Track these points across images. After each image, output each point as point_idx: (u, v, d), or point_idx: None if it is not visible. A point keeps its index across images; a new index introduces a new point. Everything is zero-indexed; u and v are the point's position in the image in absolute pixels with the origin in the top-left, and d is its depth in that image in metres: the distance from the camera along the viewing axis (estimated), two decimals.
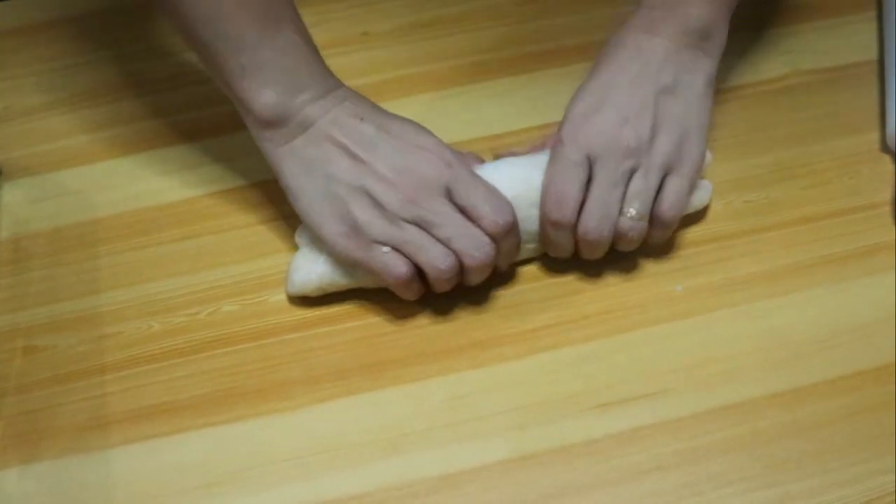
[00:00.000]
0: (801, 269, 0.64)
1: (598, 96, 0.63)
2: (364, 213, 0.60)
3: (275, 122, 0.61)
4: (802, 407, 0.59)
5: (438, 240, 0.59)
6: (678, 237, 0.66)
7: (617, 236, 0.62)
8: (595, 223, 0.61)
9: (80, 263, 0.67)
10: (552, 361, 0.61)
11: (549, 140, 0.66)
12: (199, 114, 0.74)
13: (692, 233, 0.66)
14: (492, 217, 0.59)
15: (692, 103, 0.64)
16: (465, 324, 0.63)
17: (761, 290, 0.64)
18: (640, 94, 0.62)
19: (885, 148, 0.70)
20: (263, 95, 0.60)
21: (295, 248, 0.65)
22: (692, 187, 0.64)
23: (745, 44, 0.76)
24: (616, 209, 0.61)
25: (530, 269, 0.65)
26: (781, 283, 0.64)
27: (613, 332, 0.62)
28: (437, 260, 0.59)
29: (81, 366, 0.62)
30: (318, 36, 0.79)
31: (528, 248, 0.64)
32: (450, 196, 0.60)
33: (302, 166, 0.61)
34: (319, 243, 0.63)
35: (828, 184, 0.68)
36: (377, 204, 0.60)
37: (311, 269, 0.63)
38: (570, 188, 0.61)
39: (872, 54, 0.76)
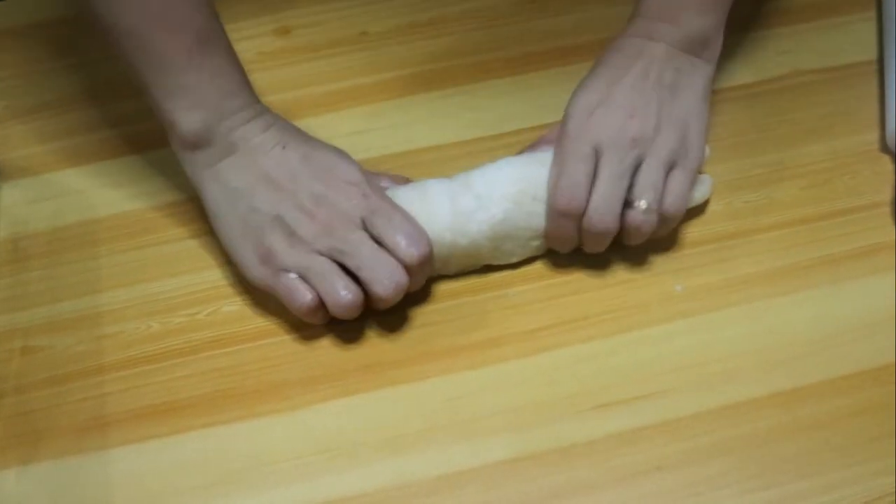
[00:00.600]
0: (801, 270, 0.64)
1: (602, 93, 0.63)
2: (277, 243, 0.60)
3: (199, 145, 0.61)
4: (802, 407, 0.59)
5: (348, 269, 0.60)
6: (678, 237, 0.66)
7: (627, 229, 0.62)
8: (601, 214, 0.61)
9: (79, 263, 0.67)
10: (552, 362, 0.61)
11: (543, 141, 0.66)
12: None
13: (692, 233, 0.66)
14: (406, 248, 0.59)
15: (692, 103, 0.64)
16: (464, 324, 0.63)
17: (761, 290, 0.63)
18: (644, 92, 0.63)
19: (884, 148, 0.70)
20: (189, 118, 0.61)
21: None
22: (693, 183, 0.64)
23: (745, 44, 0.76)
24: (621, 200, 0.61)
25: (530, 270, 0.65)
26: (781, 283, 0.64)
27: (613, 332, 0.62)
28: (336, 292, 0.59)
29: (80, 366, 0.62)
30: (317, 36, 0.79)
31: (533, 245, 0.64)
32: (366, 227, 0.60)
33: (223, 193, 0.62)
34: None
35: (827, 184, 0.68)
36: (292, 233, 0.60)
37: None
38: (580, 178, 0.61)
39: (872, 54, 0.76)
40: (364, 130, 0.72)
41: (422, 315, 0.63)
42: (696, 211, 0.67)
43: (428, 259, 0.61)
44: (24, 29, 0.81)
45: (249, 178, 0.61)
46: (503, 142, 0.71)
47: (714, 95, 0.73)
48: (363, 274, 0.59)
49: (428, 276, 0.63)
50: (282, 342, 0.63)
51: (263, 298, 0.64)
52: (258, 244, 0.61)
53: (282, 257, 0.60)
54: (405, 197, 0.63)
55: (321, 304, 0.60)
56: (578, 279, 0.65)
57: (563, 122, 0.63)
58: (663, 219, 0.62)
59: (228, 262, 0.66)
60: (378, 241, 0.60)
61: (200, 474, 0.58)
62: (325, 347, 0.62)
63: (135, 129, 0.74)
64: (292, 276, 0.60)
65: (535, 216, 0.63)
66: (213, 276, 0.66)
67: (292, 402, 0.60)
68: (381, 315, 0.63)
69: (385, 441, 0.58)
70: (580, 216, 0.61)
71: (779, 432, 0.58)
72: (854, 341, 0.61)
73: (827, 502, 0.55)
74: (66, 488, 0.58)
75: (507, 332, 0.62)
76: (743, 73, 0.75)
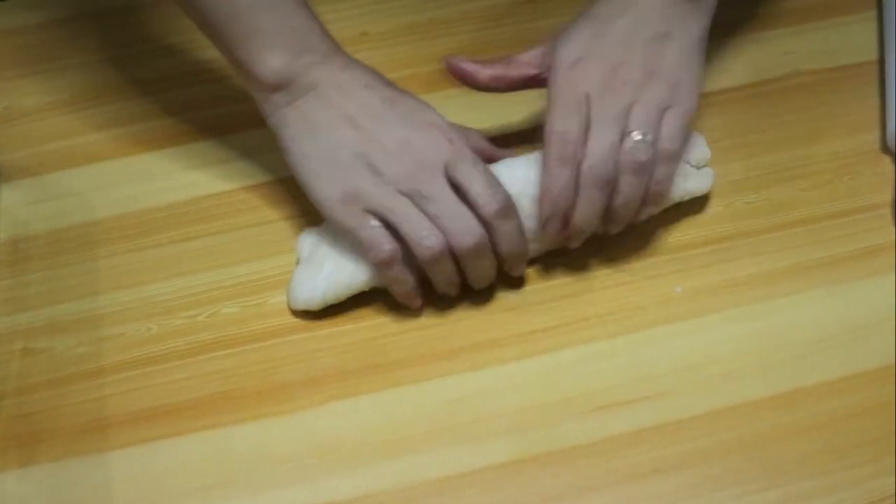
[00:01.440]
0: (801, 271, 0.64)
1: (587, 44, 0.63)
2: (362, 181, 0.60)
3: (279, 85, 0.61)
4: (802, 408, 0.59)
5: (428, 216, 0.59)
6: (678, 239, 0.66)
7: (625, 165, 0.60)
8: (600, 157, 0.59)
9: (79, 265, 0.67)
10: (552, 363, 0.61)
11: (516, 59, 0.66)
12: (198, 115, 0.74)
13: (692, 234, 0.66)
14: (484, 199, 0.59)
15: (685, 54, 0.63)
16: (465, 326, 0.63)
17: (761, 291, 0.63)
18: (630, 45, 0.62)
19: (885, 148, 0.70)
20: (268, 57, 0.60)
21: (295, 250, 0.65)
22: (687, 128, 0.63)
23: (745, 44, 0.76)
24: (618, 142, 0.60)
25: (530, 271, 0.65)
26: (781, 284, 0.64)
27: (613, 334, 0.62)
28: (418, 232, 0.59)
29: (80, 368, 0.62)
30: None
31: (533, 247, 0.64)
32: (448, 175, 0.60)
33: (305, 129, 0.61)
34: (319, 256, 0.63)
35: (828, 185, 0.68)
36: (377, 172, 0.60)
37: (315, 286, 0.62)
38: (572, 123, 0.60)
39: (872, 54, 0.75)
40: None
41: (422, 317, 0.63)
42: (696, 206, 0.66)
43: (506, 212, 0.60)
44: (24, 29, 0.81)
45: (333, 115, 0.61)
46: (503, 142, 0.71)
47: (714, 96, 0.73)
48: (440, 223, 0.59)
49: (518, 255, 0.62)
50: (282, 344, 0.63)
51: (263, 300, 0.64)
52: (343, 182, 0.60)
53: (367, 196, 0.59)
54: None
55: (398, 258, 0.60)
56: (578, 281, 0.65)
57: (551, 74, 0.63)
58: (662, 159, 0.61)
59: (228, 263, 0.66)
60: (457, 189, 0.60)
61: (200, 476, 0.58)
62: (327, 349, 0.62)
63: (134, 129, 0.74)
64: (375, 223, 0.60)
65: (533, 218, 0.63)
66: (213, 277, 0.66)
67: (293, 404, 0.60)
68: (381, 317, 0.63)
69: (386, 443, 0.58)
70: (577, 160, 0.60)
71: (779, 433, 0.58)
72: (854, 342, 0.61)
73: (827, 503, 0.55)
74: (65, 490, 0.58)
75: (508, 334, 0.62)
76: (743, 73, 0.75)
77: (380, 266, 0.60)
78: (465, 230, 0.59)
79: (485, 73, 0.66)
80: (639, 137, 0.60)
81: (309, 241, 0.64)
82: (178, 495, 0.57)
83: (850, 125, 0.71)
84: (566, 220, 0.61)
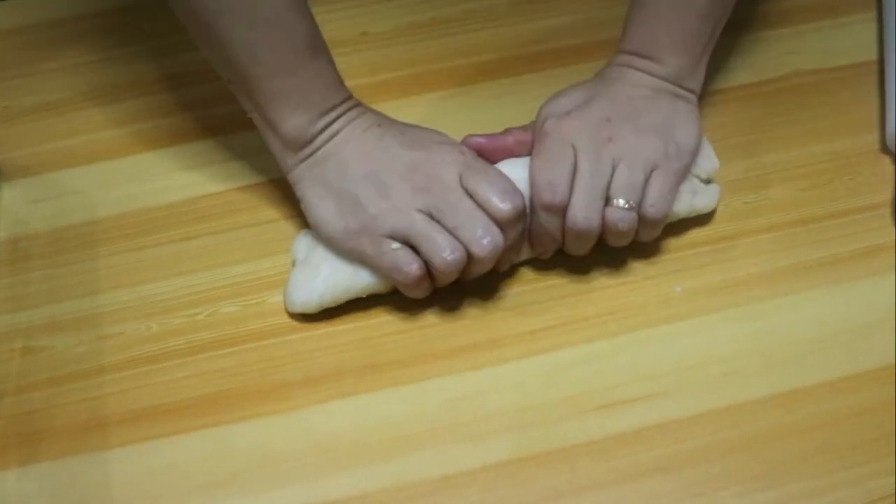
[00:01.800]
0: (801, 270, 0.64)
1: (578, 100, 0.64)
2: (374, 206, 0.60)
3: (302, 143, 0.62)
4: (802, 408, 0.59)
5: (446, 229, 0.59)
6: (678, 239, 0.66)
7: (607, 228, 0.61)
8: (583, 211, 0.60)
9: (79, 264, 0.67)
10: (552, 363, 0.61)
11: (510, 134, 0.66)
12: (198, 114, 0.74)
13: (692, 234, 0.66)
14: (497, 202, 0.59)
15: (676, 113, 0.64)
16: (464, 325, 0.63)
17: (761, 291, 0.63)
18: (621, 103, 0.63)
19: (885, 148, 0.70)
20: (293, 118, 0.61)
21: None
22: (677, 187, 0.63)
23: (745, 44, 0.76)
24: (602, 197, 0.61)
25: (530, 271, 0.65)
26: (781, 284, 0.64)
27: (613, 333, 0.62)
28: (443, 251, 0.59)
29: (80, 366, 0.62)
30: None
31: (529, 247, 0.64)
32: (463, 185, 0.60)
33: (319, 173, 0.62)
34: (316, 258, 0.63)
35: (828, 185, 0.68)
36: (388, 195, 0.60)
37: (312, 289, 0.62)
38: (560, 172, 0.61)
39: (872, 54, 0.76)
40: None
41: (422, 316, 0.63)
42: (702, 219, 0.67)
43: (520, 215, 0.60)
44: (24, 29, 0.81)
45: (344, 153, 0.62)
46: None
47: (714, 95, 0.73)
48: (460, 233, 0.59)
49: (517, 255, 0.64)
50: (282, 343, 0.63)
51: (262, 299, 0.64)
52: (356, 212, 0.60)
53: (383, 221, 0.60)
54: None
55: (426, 274, 0.60)
56: (578, 280, 0.65)
57: (538, 123, 0.64)
58: (644, 222, 0.62)
59: (228, 262, 0.66)
60: (472, 198, 0.60)
61: (200, 475, 0.58)
62: (326, 348, 0.62)
63: (135, 129, 0.74)
64: (395, 246, 0.60)
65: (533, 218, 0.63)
66: (213, 277, 0.66)
67: (293, 403, 0.60)
68: (380, 316, 0.63)
69: (386, 442, 0.58)
70: (564, 207, 0.61)
71: (779, 433, 0.58)
72: (854, 342, 0.61)
73: (827, 503, 0.55)
74: (66, 488, 0.58)
75: (508, 334, 0.62)
76: (743, 74, 0.75)
77: (408, 287, 0.61)
78: (485, 236, 0.59)
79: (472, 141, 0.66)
80: (621, 204, 0.61)
81: (304, 243, 0.64)
82: (177, 493, 0.57)
83: (849, 125, 0.71)
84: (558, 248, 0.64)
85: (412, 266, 0.60)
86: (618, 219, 0.61)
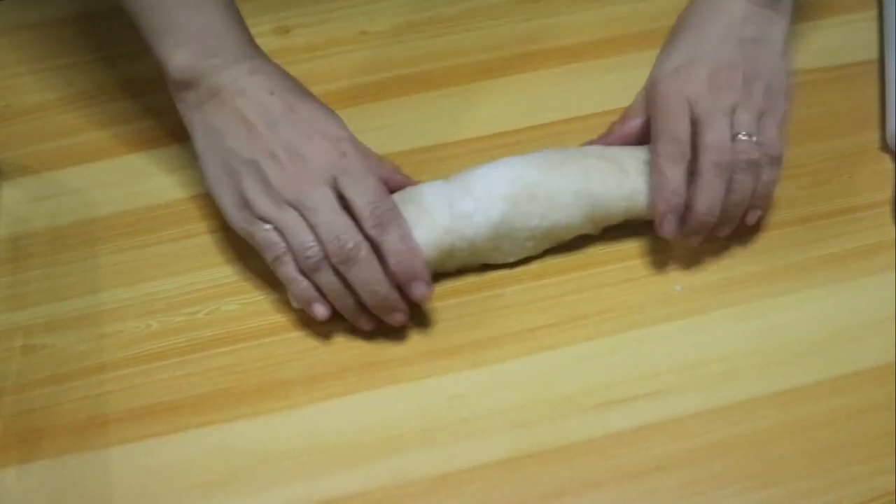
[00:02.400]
0: (801, 269, 0.64)
1: (687, 53, 0.65)
2: (252, 189, 0.61)
3: (186, 84, 0.62)
4: (802, 407, 0.59)
5: (309, 225, 0.60)
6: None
7: (737, 164, 0.61)
8: (718, 143, 0.61)
9: (79, 262, 0.67)
10: (551, 361, 0.61)
11: (629, 118, 0.67)
12: None
13: None
14: (365, 212, 0.59)
15: (776, 56, 0.65)
16: (464, 323, 0.63)
17: (761, 289, 0.63)
18: (727, 47, 0.64)
19: (885, 147, 0.70)
20: (176, 55, 0.62)
21: None
22: (783, 128, 0.64)
23: None
24: (731, 138, 0.61)
25: (529, 269, 0.65)
26: (781, 282, 0.64)
27: (613, 331, 0.62)
28: (300, 242, 0.59)
29: (80, 365, 0.62)
30: (316, 36, 0.79)
31: (528, 245, 0.64)
32: (335, 186, 0.60)
33: (208, 135, 0.63)
34: None
35: (827, 183, 0.68)
36: (266, 181, 0.60)
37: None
38: (681, 126, 0.62)
39: (872, 54, 0.76)
40: (364, 130, 0.71)
41: (421, 315, 0.63)
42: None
43: (387, 227, 0.59)
44: (24, 29, 0.81)
45: (230, 119, 0.62)
46: (502, 141, 0.71)
47: None
48: (318, 231, 0.59)
49: (407, 263, 0.60)
50: (282, 341, 0.63)
51: (262, 297, 0.64)
52: (237, 189, 0.61)
53: (256, 205, 0.60)
54: (403, 202, 0.63)
55: (290, 258, 0.60)
56: (577, 279, 0.65)
57: (652, 85, 0.65)
58: (765, 161, 0.62)
59: (228, 260, 0.66)
60: (341, 199, 0.60)
61: (200, 473, 0.58)
62: (326, 346, 0.62)
63: (134, 127, 0.74)
64: (268, 227, 0.60)
65: (530, 216, 0.63)
66: (213, 274, 0.66)
67: (292, 401, 0.60)
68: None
69: (385, 440, 0.58)
70: (688, 162, 0.61)
71: (779, 432, 0.58)
72: (854, 340, 0.61)
73: (827, 501, 0.55)
74: (66, 486, 0.58)
75: (507, 332, 0.62)
76: None
77: (273, 265, 0.61)
78: (337, 238, 0.59)
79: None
80: (746, 137, 0.61)
81: None
82: (177, 491, 0.57)
83: (849, 123, 0.71)
84: (680, 217, 0.62)
85: (280, 246, 0.60)
86: (747, 148, 0.61)
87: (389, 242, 0.59)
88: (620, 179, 0.64)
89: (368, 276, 0.59)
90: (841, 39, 0.76)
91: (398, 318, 0.61)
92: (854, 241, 0.65)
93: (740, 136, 0.61)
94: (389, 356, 0.62)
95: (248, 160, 0.61)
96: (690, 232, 0.63)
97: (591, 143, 0.68)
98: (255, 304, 0.64)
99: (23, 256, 0.67)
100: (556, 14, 0.79)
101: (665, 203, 0.62)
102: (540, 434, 0.58)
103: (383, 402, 0.60)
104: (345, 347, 0.62)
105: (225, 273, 0.66)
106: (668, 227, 0.62)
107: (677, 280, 0.64)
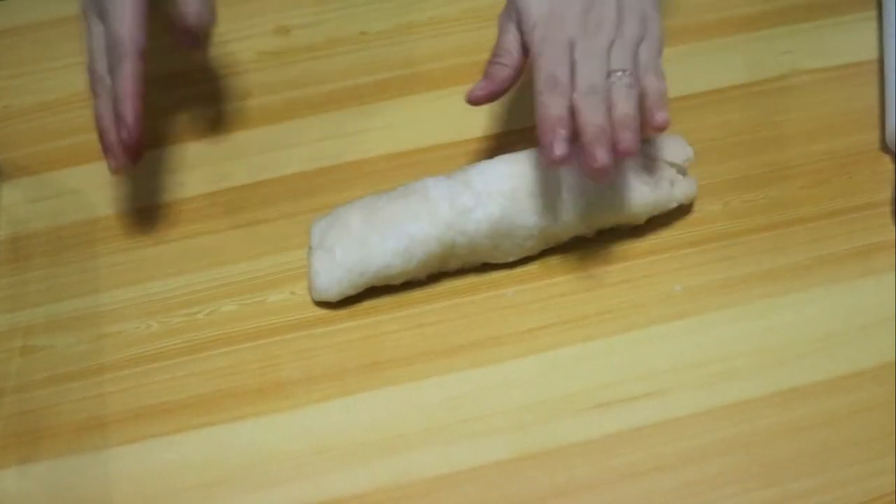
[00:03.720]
0: (801, 269, 0.64)
1: None
2: None
3: None
4: (801, 407, 0.59)
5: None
6: (677, 237, 0.66)
7: (614, 90, 0.59)
8: (590, 80, 0.59)
9: (78, 263, 0.67)
10: (551, 361, 0.61)
11: (507, 63, 0.64)
12: (196, 114, 0.74)
13: (691, 232, 0.66)
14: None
15: None
16: (463, 324, 0.63)
17: (760, 289, 0.63)
18: None
19: (884, 148, 0.70)
20: None
21: (294, 248, 0.66)
22: (660, 56, 0.62)
23: (743, 43, 0.76)
24: (604, 78, 0.60)
25: (529, 269, 0.65)
26: (780, 282, 0.64)
27: (612, 331, 0.62)
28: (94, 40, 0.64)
29: (80, 365, 0.62)
30: (316, 36, 0.79)
31: (528, 245, 0.64)
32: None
33: None
34: (329, 241, 0.63)
35: (827, 183, 0.68)
36: None
37: (332, 276, 0.63)
38: (561, 68, 0.60)
39: (872, 54, 0.75)
40: (364, 130, 0.72)
41: (421, 315, 0.63)
42: (702, 218, 0.67)
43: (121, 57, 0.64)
44: (24, 29, 0.81)
45: None
46: (502, 141, 0.71)
47: (713, 94, 0.73)
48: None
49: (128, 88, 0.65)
50: (281, 341, 0.63)
51: (262, 298, 0.64)
52: None
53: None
54: (406, 195, 0.63)
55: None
56: (577, 279, 0.65)
57: (530, 28, 0.61)
58: (644, 74, 0.60)
59: (227, 261, 0.66)
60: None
61: (200, 473, 0.58)
62: (325, 347, 0.62)
63: None
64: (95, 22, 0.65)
65: (530, 213, 0.63)
66: (212, 275, 0.66)
67: (292, 402, 0.60)
68: (379, 315, 0.63)
69: (385, 440, 0.59)
70: (567, 83, 0.59)
71: (778, 432, 0.58)
72: (854, 340, 0.61)
73: (826, 501, 0.55)
74: (65, 487, 0.58)
75: (507, 332, 0.62)
76: (742, 72, 0.75)
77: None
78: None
79: (476, 95, 0.64)
80: (620, 75, 0.60)
81: (319, 228, 0.64)
82: (177, 492, 0.57)
83: (849, 124, 0.71)
84: (568, 139, 0.59)
85: (98, 28, 0.64)
86: (621, 82, 0.59)
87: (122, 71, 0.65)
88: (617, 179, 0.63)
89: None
90: (840, 40, 0.76)
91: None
92: (854, 241, 0.65)
93: (616, 73, 0.60)
94: (389, 357, 0.62)
95: None
96: (589, 144, 0.59)
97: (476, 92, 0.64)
98: (255, 304, 0.64)
99: (23, 257, 0.67)
100: None
101: (548, 130, 0.59)
102: (540, 434, 0.58)
103: (382, 403, 0.60)
104: (344, 348, 0.62)
105: (224, 274, 0.66)
106: (558, 152, 0.58)
107: (677, 280, 0.64)
